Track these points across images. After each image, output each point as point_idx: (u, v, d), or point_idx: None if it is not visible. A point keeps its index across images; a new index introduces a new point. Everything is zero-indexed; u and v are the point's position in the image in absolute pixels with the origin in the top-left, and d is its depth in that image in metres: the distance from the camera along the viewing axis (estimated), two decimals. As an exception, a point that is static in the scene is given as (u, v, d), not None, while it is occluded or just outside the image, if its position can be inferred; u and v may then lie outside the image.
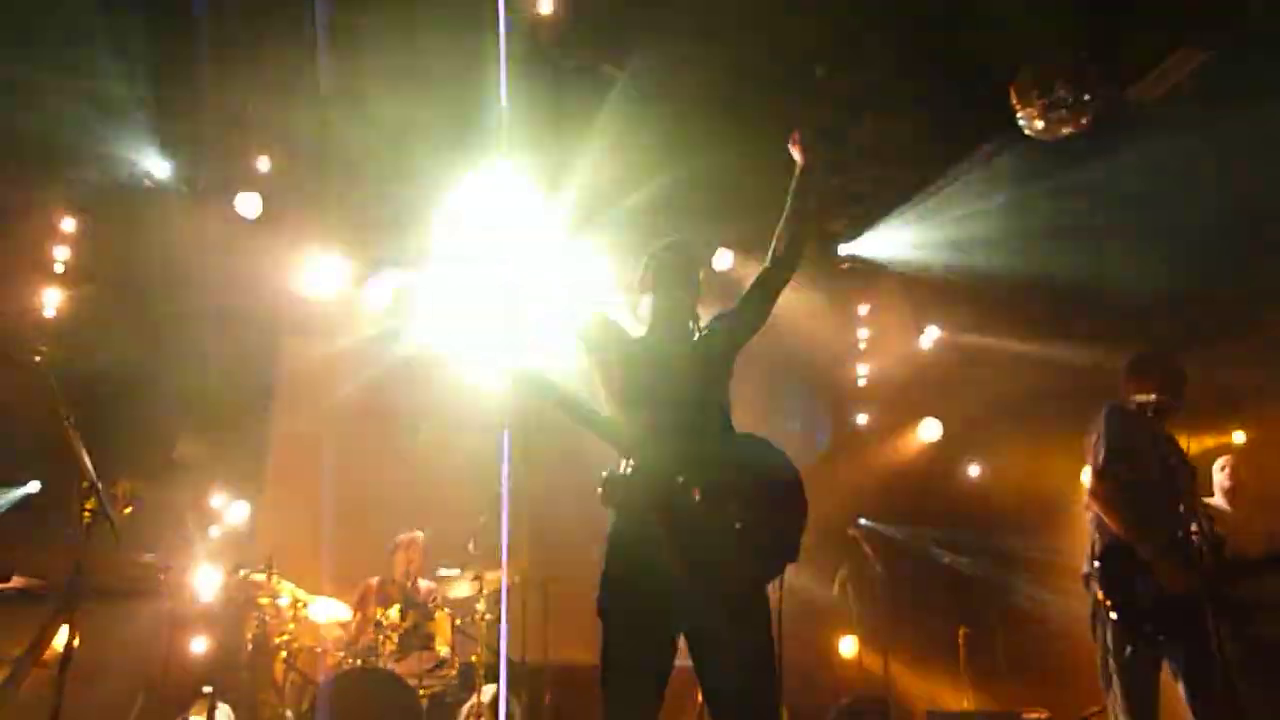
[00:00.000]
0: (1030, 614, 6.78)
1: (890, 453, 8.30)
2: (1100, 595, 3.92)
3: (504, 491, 6.01)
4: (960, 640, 6.66)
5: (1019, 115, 5.35)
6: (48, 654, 3.29)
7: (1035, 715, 5.33)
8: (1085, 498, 3.98)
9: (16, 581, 3.15)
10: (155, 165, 6.37)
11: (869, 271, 7.55)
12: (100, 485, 3.30)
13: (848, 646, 7.32)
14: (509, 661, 5.91)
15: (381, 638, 5.35)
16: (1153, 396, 3.96)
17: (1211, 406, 6.50)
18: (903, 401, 8.32)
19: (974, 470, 7.99)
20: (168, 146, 6.28)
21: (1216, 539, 3.71)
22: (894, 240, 7.07)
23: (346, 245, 7.12)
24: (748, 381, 6.93)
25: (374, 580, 6.20)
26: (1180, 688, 3.85)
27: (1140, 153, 5.66)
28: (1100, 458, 3.88)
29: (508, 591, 5.90)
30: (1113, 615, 3.84)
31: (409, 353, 7.25)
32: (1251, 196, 5.79)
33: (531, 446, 5.96)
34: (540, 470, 6.40)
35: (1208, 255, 6.08)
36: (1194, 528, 3.65)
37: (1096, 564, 3.92)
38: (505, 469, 5.96)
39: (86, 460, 3.34)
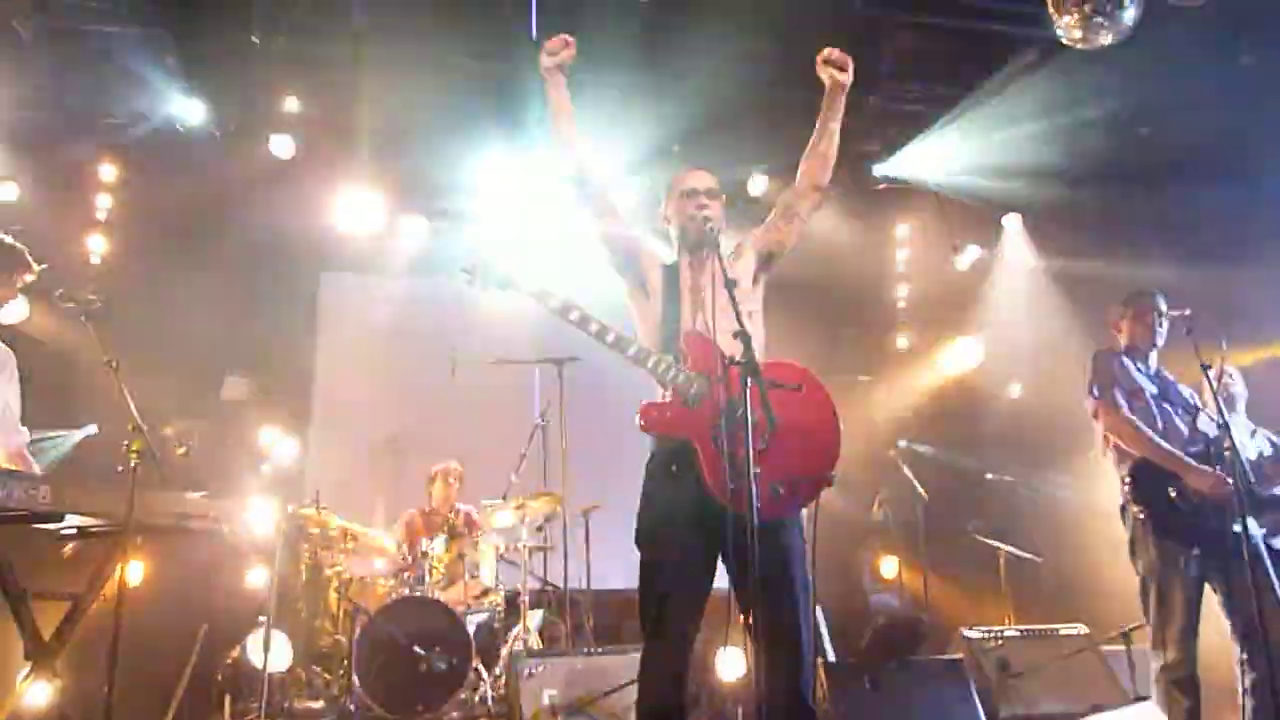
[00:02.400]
0: (1072, 533, 6.77)
1: (931, 374, 8.25)
2: (1136, 513, 3.95)
3: (538, 421, 6.13)
4: (1001, 559, 6.68)
5: (1056, 23, 5.13)
6: (108, 589, 3.43)
7: (1073, 630, 5.36)
8: (1100, 444, 4.07)
9: (71, 521, 3.27)
10: (187, 109, 6.39)
11: (905, 192, 7.41)
12: (146, 427, 3.41)
13: (888, 567, 7.41)
14: (554, 588, 6.10)
15: (428, 567, 5.51)
16: (1123, 338, 4.23)
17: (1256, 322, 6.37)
18: (943, 322, 8.23)
19: (1015, 390, 7.91)
20: (197, 91, 6.30)
21: (1232, 448, 3.73)
22: (929, 159, 6.92)
23: (382, 181, 7.13)
24: (788, 308, 7.01)
25: (416, 511, 6.38)
26: (1223, 610, 3.88)
27: (1178, 62, 5.44)
28: (1096, 396, 4.09)
29: (549, 520, 6.04)
30: (1148, 523, 3.86)
31: (446, 286, 7.33)
32: None
33: (570, 376, 6.03)
34: (580, 399, 6.48)
35: (1247, 170, 5.88)
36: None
37: (1127, 481, 3.94)
38: (536, 400, 6.06)
39: (130, 403, 3.45)
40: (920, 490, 6.58)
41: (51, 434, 6.23)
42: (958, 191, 7.11)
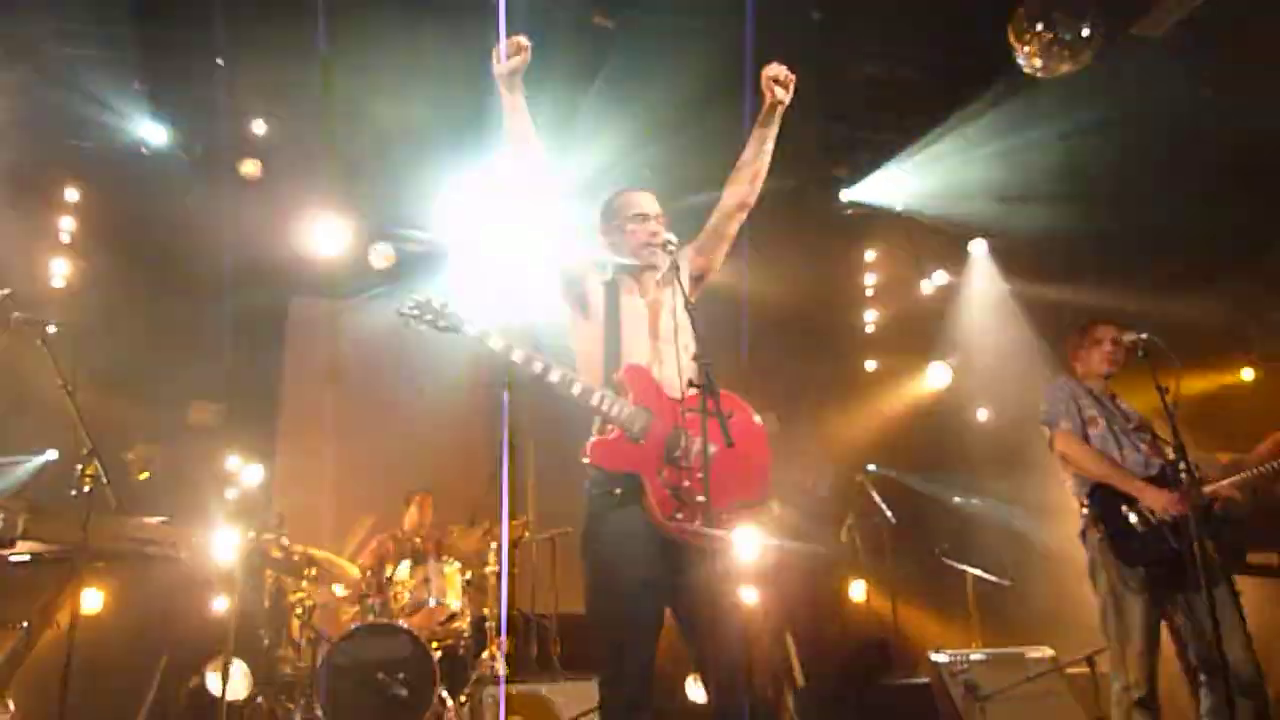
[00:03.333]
0: (1040, 557, 6.80)
1: (899, 399, 8.30)
2: (1095, 536, 4.00)
3: (504, 449, 6.10)
4: (969, 583, 6.70)
5: (1018, 53, 5.25)
6: (62, 616, 3.37)
7: (1039, 653, 5.38)
8: (1060, 473, 4.15)
9: (24, 546, 3.21)
10: (152, 132, 6.36)
11: (872, 217, 7.48)
12: (99, 452, 3.37)
13: (857, 591, 7.40)
14: (519, 614, 6.05)
15: (393, 593, 5.46)
16: (1077, 368, 4.38)
17: (1218, 345, 6.48)
18: (911, 347, 8.29)
19: (983, 414, 7.97)
20: (162, 114, 6.27)
21: (1189, 467, 3.79)
22: (896, 185, 7.00)
23: (349, 206, 7.12)
24: (756, 332, 7.04)
25: (384, 537, 6.32)
26: (1184, 629, 3.91)
27: (1142, 89, 5.56)
28: (1049, 425, 4.21)
29: (516, 546, 6.00)
30: (1106, 545, 3.92)
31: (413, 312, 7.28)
32: (1254, 132, 5.69)
33: (537, 402, 6.00)
34: (545, 425, 6.46)
35: (1209, 192, 6.00)
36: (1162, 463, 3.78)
37: (1085, 505, 4.00)
38: (505, 425, 6.04)
39: (83, 428, 3.41)
40: (888, 514, 6.60)
41: (10, 459, 6.14)
42: (925, 216, 7.19)
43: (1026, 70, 5.33)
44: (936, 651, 5.33)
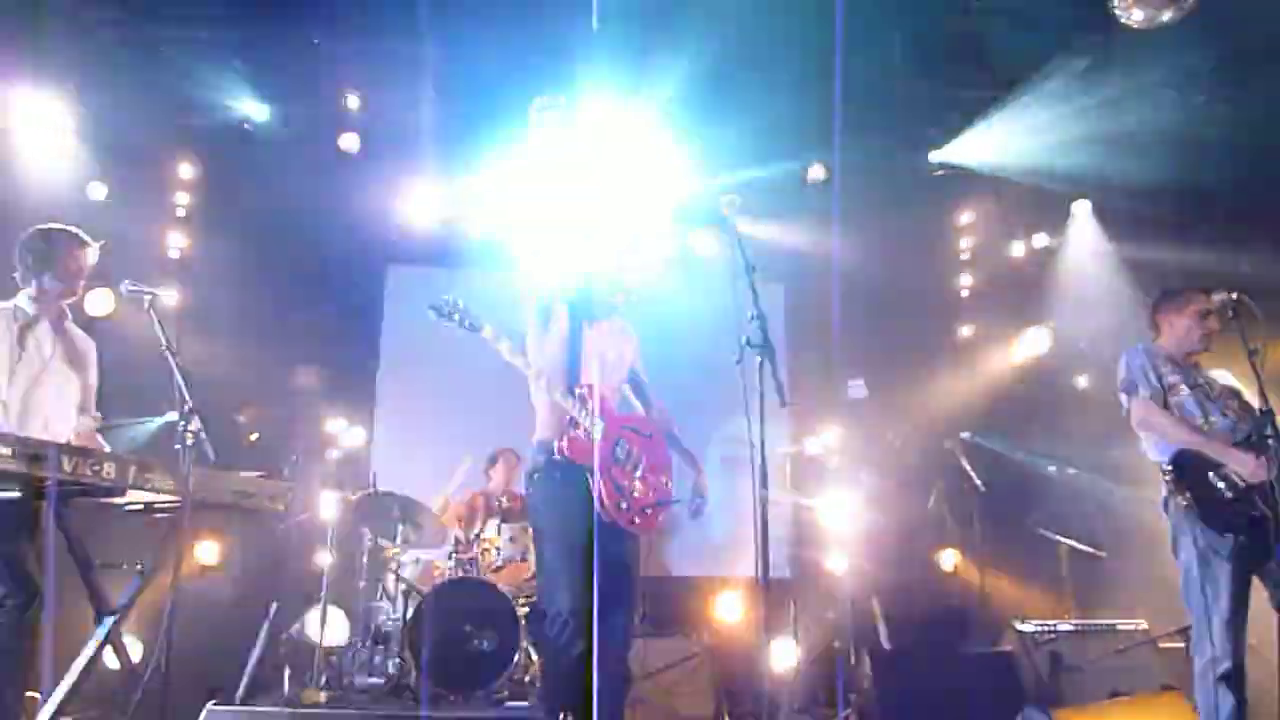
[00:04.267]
0: (1137, 528, 6.58)
1: (994, 365, 8.09)
2: (1179, 502, 3.86)
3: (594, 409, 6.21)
4: (1062, 554, 6.55)
5: (1115, 3, 5.02)
6: (172, 563, 3.64)
7: (1131, 626, 5.23)
8: (1142, 444, 3.99)
9: (134, 495, 3.48)
10: (254, 109, 6.68)
11: (966, 178, 7.27)
12: (200, 411, 3.61)
13: (947, 560, 7.31)
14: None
15: (481, 550, 5.67)
16: (1163, 333, 4.20)
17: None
18: (1008, 311, 8.06)
19: (1082, 381, 7.71)
20: (263, 91, 6.57)
21: (1274, 433, 3.72)
22: (990, 144, 6.78)
23: (445, 175, 7.32)
24: (849, 300, 6.98)
25: (474, 494, 6.55)
26: (1270, 602, 3.77)
27: (1250, 36, 5.24)
28: (1127, 394, 4.09)
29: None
30: (1191, 512, 3.78)
31: (508, 277, 7.47)
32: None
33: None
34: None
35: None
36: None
37: (1168, 471, 3.86)
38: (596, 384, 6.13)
39: (185, 387, 3.65)
40: (978, 482, 6.48)
41: (135, 420, 6.59)
42: (1020, 176, 6.95)
43: (1125, 21, 5.10)
44: (1021, 621, 5.25)
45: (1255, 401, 3.76)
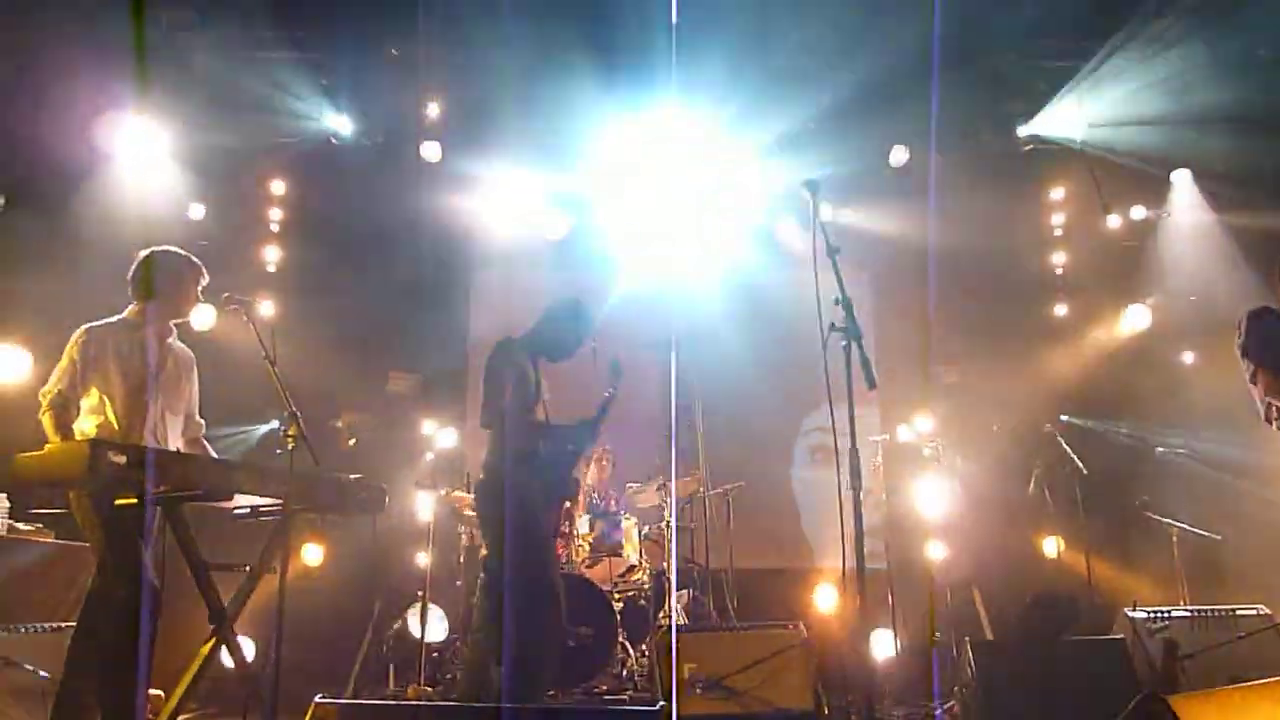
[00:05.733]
0: (1254, 509, 6.27)
1: (1093, 344, 7.80)
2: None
3: (672, 406, 6.23)
4: (1174, 538, 6.27)
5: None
6: (279, 564, 3.76)
7: (1251, 611, 4.98)
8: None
9: (241, 500, 3.62)
10: (338, 123, 6.88)
11: (1056, 152, 7.03)
12: (301, 414, 3.73)
13: (1050, 546, 7.09)
14: (698, 566, 6.19)
15: (575, 546, 5.72)
16: None
17: None
18: (1106, 288, 7.77)
19: (1188, 358, 7.38)
20: (346, 105, 6.76)
21: None
22: (1078, 116, 6.54)
23: (524, 182, 7.43)
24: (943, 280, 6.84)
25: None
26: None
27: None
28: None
29: (692, 501, 6.15)
30: None
31: (584, 277, 7.57)
32: None
33: (702, 362, 6.10)
34: (716, 384, 6.54)
35: None
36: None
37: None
38: (674, 383, 6.16)
39: (285, 393, 3.77)
40: (1079, 465, 6.26)
41: (240, 429, 6.86)
42: (1111, 148, 6.68)
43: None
44: (1133, 608, 5.06)
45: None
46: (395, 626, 5.64)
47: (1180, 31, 5.83)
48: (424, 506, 6.20)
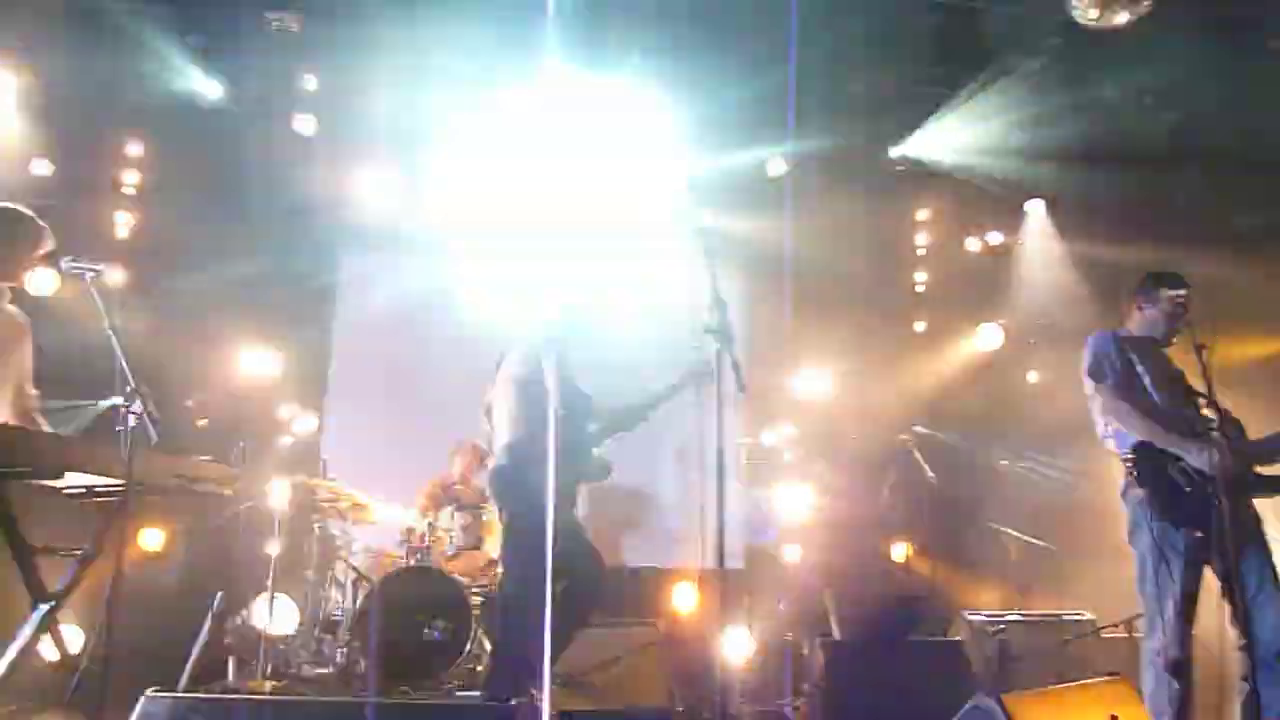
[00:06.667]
0: (1085, 520, 6.70)
1: (949, 360, 8.19)
2: (1137, 495, 3.90)
3: (552, 404, 6.17)
4: (1012, 546, 6.65)
5: (1073, 2, 5.08)
6: (114, 548, 3.53)
7: (1076, 616, 5.33)
8: (1100, 428, 4.00)
9: (73, 479, 3.38)
10: (206, 87, 6.52)
11: (924, 175, 7.33)
12: (144, 393, 3.49)
13: (899, 550, 7.39)
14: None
15: (435, 539, 5.60)
16: (1136, 323, 4.16)
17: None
18: (963, 307, 8.17)
19: (1033, 376, 7.84)
20: (217, 69, 6.42)
21: (1237, 424, 3.81)
22: (948, 142, 6.84)
23: (401, 160, 7.22)
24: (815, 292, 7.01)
25: (434, 483, 6.48)
26: (1221, 593, 3.82)
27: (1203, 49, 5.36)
28: (1092, 379, 4.02)
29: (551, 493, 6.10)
30: (1149, 504, 3.81)
31: (465, 264, 7.42)
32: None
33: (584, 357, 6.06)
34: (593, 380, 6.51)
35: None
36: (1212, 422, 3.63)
37: (1129, 462, 3.88)
38: (552, 381, 6.10)
39: (126, 367, 3.54)
40: (930, 475, 6.56)
41: (79, 403, 6.41)
42: (978, 174, 7.03)
43: (1081, 21, 5.16)
44: (971, 611, 5.32)
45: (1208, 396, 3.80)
46: (239, 617, 5.39)
47: (1043, 71, 6.16)
48: (278, 492, 5.96)
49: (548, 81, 6.39)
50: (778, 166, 7.33)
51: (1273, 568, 3.78)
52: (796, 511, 6.58)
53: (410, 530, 5.73)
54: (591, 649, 4.71)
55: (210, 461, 4.00)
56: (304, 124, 6.88)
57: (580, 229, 7.29)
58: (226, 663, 5.19)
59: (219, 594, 5.58)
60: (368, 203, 7.24)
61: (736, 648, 5.79)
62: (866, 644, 5.28)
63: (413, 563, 5.53)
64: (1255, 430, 4.02)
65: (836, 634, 6.27)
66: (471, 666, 5.28)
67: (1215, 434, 3.62)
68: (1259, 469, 3.89)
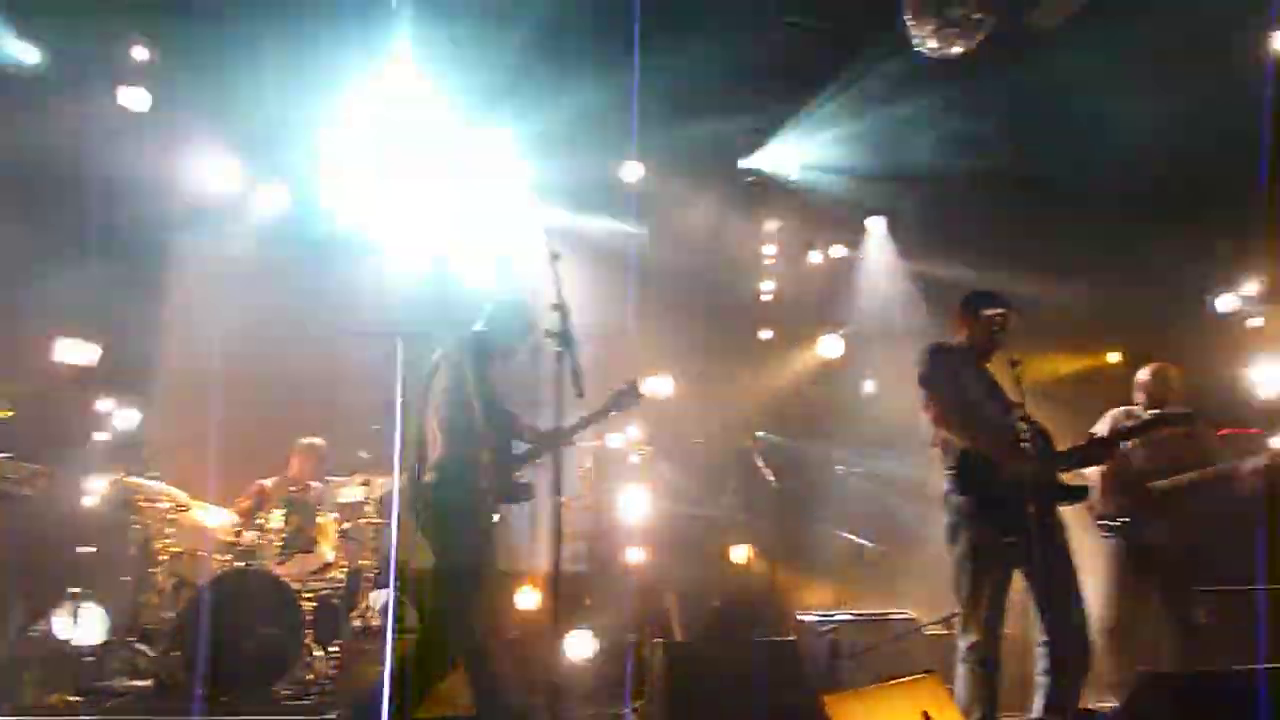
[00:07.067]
0: (916, 524, 7.04)
1: (792, 367, 8.46)
2: (956, 501, 4.10)
3: (397, 399, 5.99)
4: (848, 549, 6.91)
5: (912, 31, 5.33)
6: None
7: (901, 615, 5.59)
8: (931, 434, 4.20)
9: None
10: (22, 51, 6.02)
11: (772, 186, 7.53)
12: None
13: (739, 554, 7.57)
14: (399, 565, 5.99)
15: (263, 540, 5.35)
16: (962, 338, 4.34)
17: (1091, 329, 6.80)
18: (806, 318, 8.44)
19: (870, 386, 8.19)
20: (32, 30, 5.94)
21: (1046, 436, 4.04)
22: (795, 156, 7.07)
23: (239, 146, 6.87)
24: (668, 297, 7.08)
25: (263, 483, 6.20)
26: (1029, 595, 4.07)
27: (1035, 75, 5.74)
28: (925, 389, 4.20)
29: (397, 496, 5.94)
30: (967, 511, 4.02)
31: (303, 256, 7.14)
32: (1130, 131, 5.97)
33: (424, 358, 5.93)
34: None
35: (1077, 191, 6.25)
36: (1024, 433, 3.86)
37: (951, 471, 4.08)
38: (399, 374, 5.92)
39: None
40: (771, 480, 6.74)
41: None
42: (821, 189, 7.29)
43: (919, 49, 5.42)
44: (804, 612, 5.50)
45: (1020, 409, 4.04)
46: (40, 627, 4.99)
47: (884, 93, 6.44)
48: (88, 491, 5.56)
49: (393, 79, 6.24)
50: (632, 172, 7.37)
51: (1074, 572, 4.07)
52: (641, 513, 6.63)
53: (238, 532, 5.44)
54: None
55: (13, 459, 3.70)
56: (131, 97, 6.42)
57: (426, 226, 7.16)
58: (21, 676, 4.79)
59: (20, 600, 5.17)
60: (203, 186, 6.85)
61: (579, 650, 5.80)
62: (706, 645, 5.37)
63: (240, 566, 5.26)
64: (1061, 441, 4.33)
65: (678, 635, 6.38)
66: (302, 675, 5.07)
67: (1027, 445, 3.85)
68: (1064, 478, 4.17)
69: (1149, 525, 5.02)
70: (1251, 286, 6.28)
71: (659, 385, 7.30)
